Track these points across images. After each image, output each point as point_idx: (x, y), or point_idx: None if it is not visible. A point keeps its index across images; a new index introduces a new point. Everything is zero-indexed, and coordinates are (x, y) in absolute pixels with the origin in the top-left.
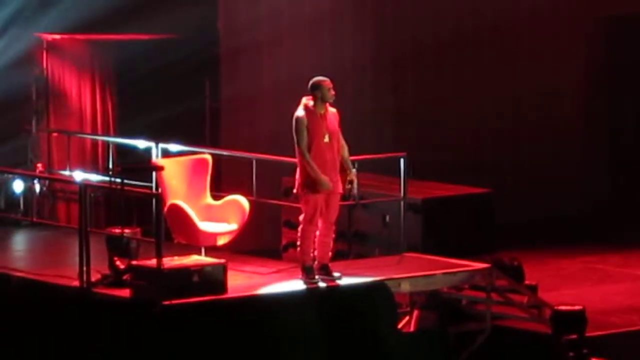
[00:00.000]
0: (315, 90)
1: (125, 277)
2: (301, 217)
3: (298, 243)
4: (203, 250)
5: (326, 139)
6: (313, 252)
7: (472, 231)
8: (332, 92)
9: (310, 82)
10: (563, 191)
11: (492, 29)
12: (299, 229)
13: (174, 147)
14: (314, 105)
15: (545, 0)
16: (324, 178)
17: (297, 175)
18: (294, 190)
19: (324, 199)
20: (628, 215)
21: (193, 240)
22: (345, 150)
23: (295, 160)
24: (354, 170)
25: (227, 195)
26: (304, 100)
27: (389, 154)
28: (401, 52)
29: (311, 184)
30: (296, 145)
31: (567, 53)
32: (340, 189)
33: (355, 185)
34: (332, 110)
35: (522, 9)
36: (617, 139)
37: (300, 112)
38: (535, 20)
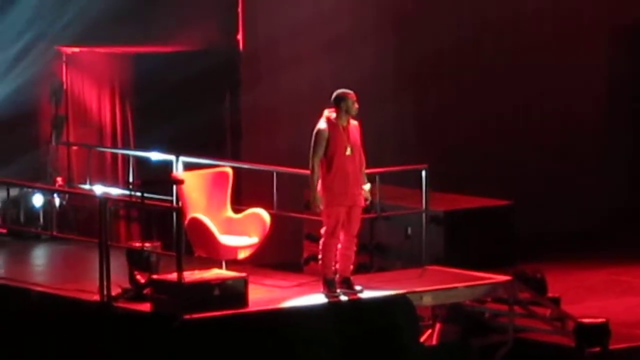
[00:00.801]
0: (340, 103)
1: (145, 291)
2: (322, 230)
3: (319, 256)
4: (224, 263)
5: (348, 152)
6: (335, 265)
7: (495, 243)
8: (356, 105)
9: (334, 94)
10: (586, 202)
11: (514, 39)
12: (320, 242)
13: (194, 160)
14: (337, 118)
15: (569, 11)
16: (318, 196)
17: (320, 189)
18: (321, 205)
19: (345, 211)
20: None
21: (214, 253)
22: (363, 165)
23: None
24: (368, 185)
25: (248, 208)
26: (326, 112)
27: (411, 166)
28: (422, 63)
29: (330, 199)
30: (310, 157)
31: (589, 62)
32: (362, 202)
33: (369, 198)
34: (353, 122)
35: (545, 18)
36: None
37: (322, 124)
38: (558, 29)
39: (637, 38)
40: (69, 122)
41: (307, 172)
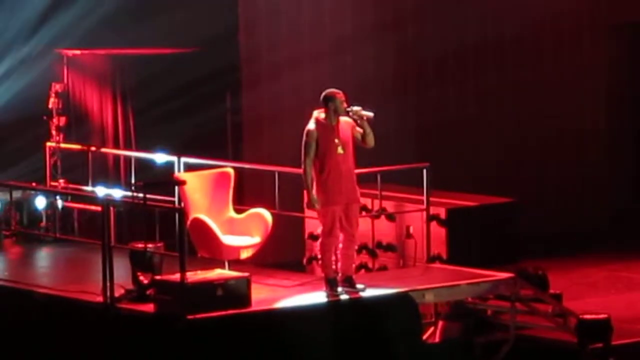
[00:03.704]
0: (329, 103)
1: (148, 291)
2: (319, 230)
3: (319, 256)
4: (227, 264)
5: (340, 150)
6: (336, 264)
7: (496, 241)
8: (345, 105)
9: (323, 94)
10: (587, 200)
11: (514, 44)
12: (319, 242)
13: (196, 161)
14: (326, 118)
15: (568, 15)
16: (314, 197)
17: (315, 189)
18: (317, 205)
19: (342, 210)
20: None
21: (216, 254)
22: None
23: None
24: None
25: (250, 208)
26: (316, 113)
27: (412, 165)
28: (423, 64)
29: (326, 198)
30: (302, 157)
31: (589, 64)
32: (359, 200)
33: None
34: (345, 120)
35: (545, 22)
36: None
37: (311, 125)
38: (557, 32)
39: (637, 37)
40: (70, 124)
41: None
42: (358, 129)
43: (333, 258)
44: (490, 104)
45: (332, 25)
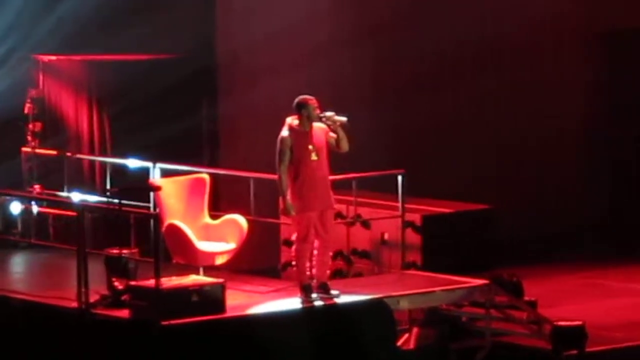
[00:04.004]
0: (301, 109)
1: (124, 297)
2: (294, 237)
3: (293, 263)
4: (201, 270)
5: (314, 157)
6: (310, 271)
7: (472, 248)
8: (318, 111)
9: (296, 100)
10: (563, 207)
11: (493, 48)
12: (293, 248)
13: (171, 167)
14: (299, 124)
15: (548, 19)
16: (290, 204)
17: (289, 195)
18: (293, 212)
19: (317, 216)
20: (629, 230)
21: (191, 260)
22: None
23: None
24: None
25: (226, 214)
26: (289, 120)
27: (387, 172)
28: (400, 70)
29: (300, 205)
30: (277, 165)
31: (568, 70)
32: (333, 205)
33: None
34: (318, 125)
35: (523, 27)
36: (618, 155)
37: (285, 132)
38: (536, 38)
39: (615, 45)
40: (46, 130)
41: None
42: (332, 134)
43: (307, 264)
44: (467, 111)
45: (309, 32)
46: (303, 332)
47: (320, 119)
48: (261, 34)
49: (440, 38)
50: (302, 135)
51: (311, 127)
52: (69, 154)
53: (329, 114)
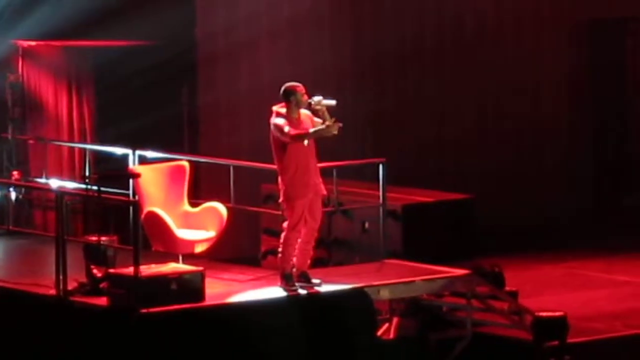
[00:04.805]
0: (290, 97)
1: (102, 285)
2: (285, 224)
3: (279, 250)
4: (181, 258)
5: (305, 142)
6: (291, 259)
7: (453, 237)
8: (306, 97)
9: (283, 88)
10: (545, 197)
11: (474, 33)
12: (282, 235)
13: (151, 154)
14: (288, 112)
15: (529, 5)
16: (321, 127)
17: (280, 184)
18: (280, 200)
19: (307, 203)
20: (611, 220)
21: (171, 247)
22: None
23: (275, 167)
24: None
25: (205, 202)
26: (275, 108)
27: (368, 160)
28: (381, 56)
29: (294, 192)
30: (286, 135)
31: (549, 57)
32: (323, 191)
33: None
34: (305, 112)
35: (505, 12)
36: (600, 144)
37: (279, 119)
38: (518, 24)
39: (597, 34)
40: (25, 116)
41: (265, 165)
42: (317, 119)
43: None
44: (448, 98)
45: (290, 18)
46: (283, 321)
47: (309, 105)
48: (241, 20)
49: (421, 21)
50: (291, 122)
51: (299, 114)
52: (48, 140)
53: (317, 98)
